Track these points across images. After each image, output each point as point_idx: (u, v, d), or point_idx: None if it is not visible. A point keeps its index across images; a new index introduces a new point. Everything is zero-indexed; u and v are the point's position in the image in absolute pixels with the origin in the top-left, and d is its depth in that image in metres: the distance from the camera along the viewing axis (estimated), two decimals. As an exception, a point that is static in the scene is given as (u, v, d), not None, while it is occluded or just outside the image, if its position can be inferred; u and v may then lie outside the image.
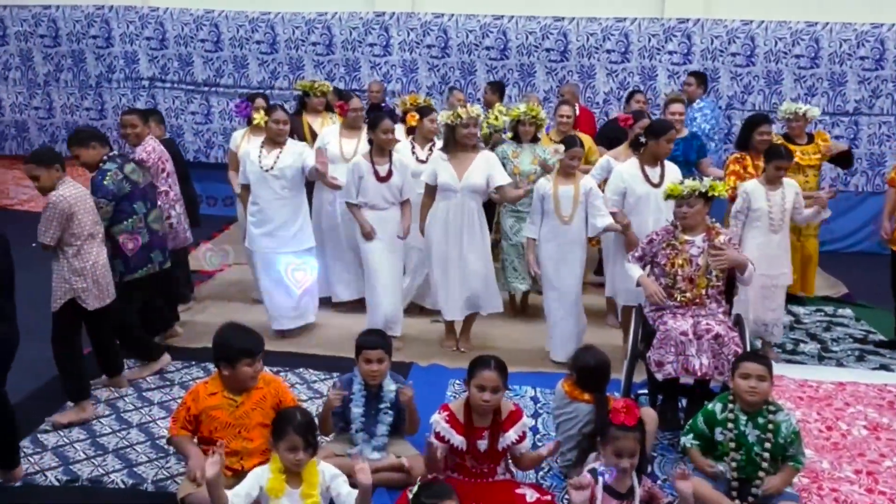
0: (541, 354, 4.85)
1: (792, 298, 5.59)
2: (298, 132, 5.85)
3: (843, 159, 5.80)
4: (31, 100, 8.58)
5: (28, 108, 8.61)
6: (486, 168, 4.62)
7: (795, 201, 4.64)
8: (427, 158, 5.15)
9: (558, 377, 4.38)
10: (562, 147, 4.56)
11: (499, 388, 3.04)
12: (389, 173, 4.72)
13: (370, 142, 4.76)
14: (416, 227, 4.85)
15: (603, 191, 4.70)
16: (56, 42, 8.35)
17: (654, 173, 4.58)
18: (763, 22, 7.39)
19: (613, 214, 4.52)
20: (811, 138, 5.60)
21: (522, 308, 5.63)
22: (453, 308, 4.79)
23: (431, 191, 4.70)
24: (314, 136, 5.76)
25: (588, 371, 3.32)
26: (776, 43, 7.40)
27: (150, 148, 4.91)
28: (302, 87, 6.12)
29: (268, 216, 4.85)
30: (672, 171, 4.58)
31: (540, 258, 4.67)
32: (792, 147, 5.24)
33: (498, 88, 7.06)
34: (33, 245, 3.79)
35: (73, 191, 3.78)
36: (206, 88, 8.24)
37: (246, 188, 4.94)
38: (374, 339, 3.44)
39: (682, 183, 3.91)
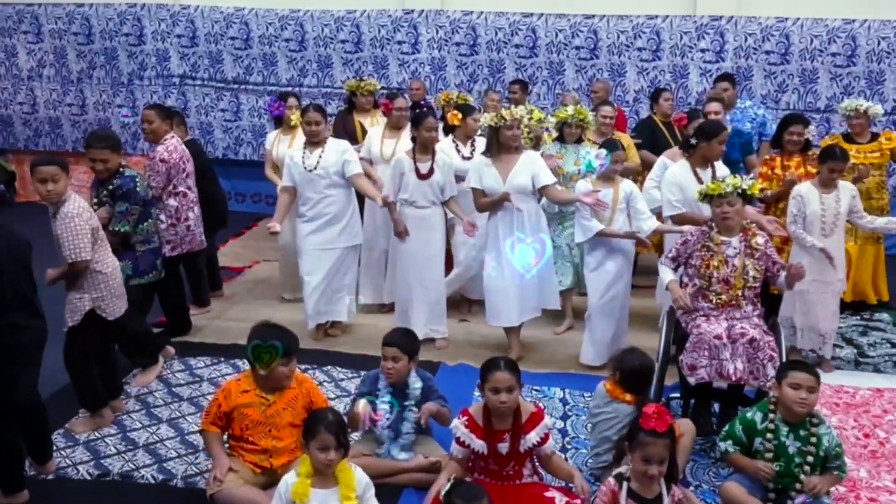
0: (572, 356, 4.79)
1: (859, 306, 5.51)
2: (350, 131, 5.86)
3: None
4: (65, 97, 8.70)
5: (62, 104, 8.73)
6: (530, 168, 4.53)
7: (852, 205, 4.50)
8: (471, 154, 5.12)
9: (589, 379, 4.40)
10: (603, 151, 4.49)
11: (513, 387, 3.00)
12: (431, 171, 4.70)
13: (413, 139, 4.75)
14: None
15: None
16: (89, 40, 8.46)
17: (705, 175, 4.51)
18: (798, 19, 7.23)
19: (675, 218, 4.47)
20: (874, 137, 5.44)
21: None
22: (507, 314, 4.68)
23: (480, 194, 4.60)
24: (365, 134, 5.78)
25: (632, 372, 3.27)
26: (811, 40, 7.24)
27: (172, 147, 4.87)
28: (349, 86, 6.14)
29: (316, 214, 4.85)
30: (722, 171, 4.50)
31: (585, 264, 4.67)
32: (849, 146, 5.11)
33: (524, 87, 7.03)
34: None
35: (83, 203, 3.56)
36: (236, 86, 8.28)
37: (287, 190, 4.92)
38: (392, 337, 3.42)
39: (722, 180, 3.82)
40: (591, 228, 4.46)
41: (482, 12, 7.71)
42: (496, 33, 7.70)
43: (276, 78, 8.16)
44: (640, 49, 7.51)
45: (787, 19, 7.25)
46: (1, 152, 8.98)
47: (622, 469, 2.79)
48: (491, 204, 4.55)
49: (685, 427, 3.19)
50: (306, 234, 4.89)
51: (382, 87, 7.16)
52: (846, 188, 4.53)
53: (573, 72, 7.66)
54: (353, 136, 5.77)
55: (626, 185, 4.52)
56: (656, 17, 7.44)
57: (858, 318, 5.56)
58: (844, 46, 7.19)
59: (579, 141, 5.22)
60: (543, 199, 4.84)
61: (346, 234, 4.92)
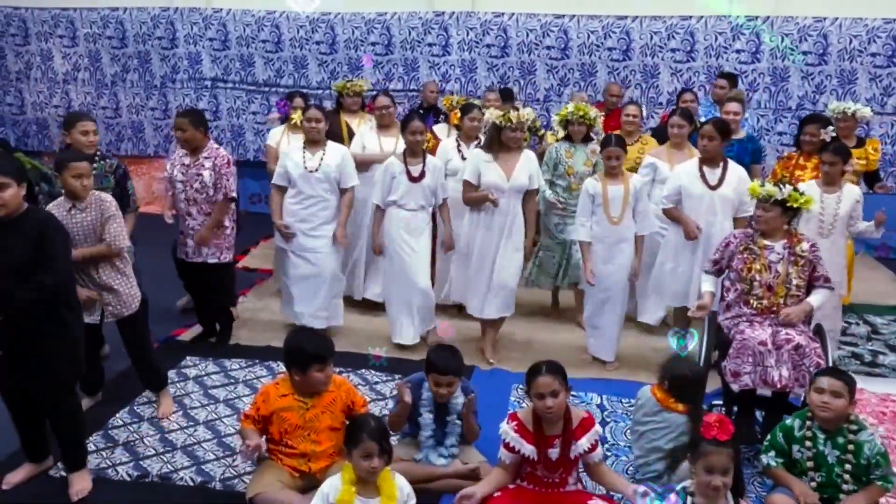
0: (584, 359, 4.79)
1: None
2: (336, 132, 5.84)
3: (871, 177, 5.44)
4: (99, 99, 8.81)
5: (96, 107, 8.83)
6: (528, 167, 4.62)
7: (853, 209, 4.44)
8: None
9: (627, 384, 4.35)
10: (597, 147, 4.52)
11: (558, 391, 2.94)
12: (422, 174, 4.72)
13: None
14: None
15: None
16: (123, 43, 8.56)
17: (712, 175, 4.48)
18: (837, 19, 7.10)
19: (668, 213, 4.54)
20: (862, 142, 5.33)
21: (555, 304, 5.63)
22: (484, 306, 4.73)
23: (473, 188, 4.63)
24: (351, 135, 5.73)
25: (683, 380, 3.20)
26: (850, 40, 7.10)
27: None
28: (337, 87, 6.11)
29: (308, 216, 4.82)
30: (735, 174, 4.44)
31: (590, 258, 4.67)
32: None
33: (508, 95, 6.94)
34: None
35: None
36: (267, 88, 8.32)
37: (279, 189, 4.84)
38: (447, 364, 3.28)
39: (762, 185, 3.77)
40: (580, 235, 4.55)
41: (513, 14, 7.66)
42: (527, 35, 7.65)
43: (306, 80, 8.18)
44: (673, 50, 7.42)
45: (825, 19, 7.12)
46: (37, 154, 9.10)
47: (686, 483, 2.72)
48: (478, 200, 4.61)
49: None
50: (294, 235, 4.85)
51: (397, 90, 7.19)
52: (851, 192, 4.46)
53: (605, 73, 7.59)
54: (338, 136, 5.76)
55: (636, 181, 4.54)
56: (690, 17, 7.35)
57: (902, 324, 5.44)
58: (884, 46, 7.05)
59: (587, 140, 5.18)
60: (549, 192, 5.02)
61: (334, 238, 4.87)
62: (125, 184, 4.22)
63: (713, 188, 4.42)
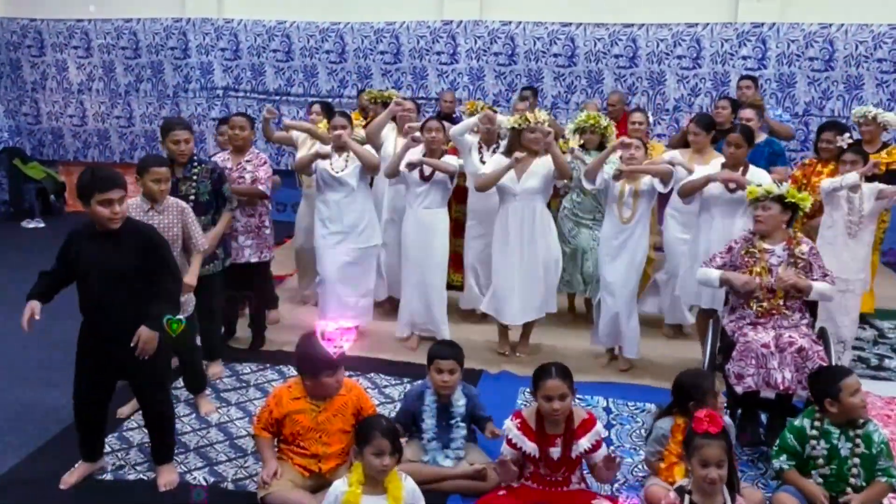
0: (611, 363, 4.82)
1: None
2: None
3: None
4: (113, 109, 8.96)
5: (110, 117, 8.99)
6: (545, 172, 4.64)
7: (877, 205, 4.55)
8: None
9: (633, 388, 4.40)
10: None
11: (566, 394, 3.01)
12: (433, 173, 4.83)
13: None
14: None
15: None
16: (136, 54, 8.71)
17: None
18: (843, 25, 7.15)
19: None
20: (886, 146, 5.35)
21: (571, 309, 5.70)
22: (511, 312, 4.78)
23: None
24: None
25: (675, 386, 3.26)
26: (857, 47, 7.14)
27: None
28: (371, 95, 6.27)
29: (337, 217, 4.92)
30: (757, 179, 4.47)
31: (599, 255, 4.76)
32: None
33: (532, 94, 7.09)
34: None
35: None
36: (277, 97, 8.45)
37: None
38: (447, 350, 3.45)
39: (758, 185, 3.83)
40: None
41: (521, 22, 7.76)
42: (535, 43, 7.74)
43: (316, 89, 8.30)
44: (679, 57, 7.48)
45: (830, 25, 7.17)
46: (51, 163, 9.26)
47: (683, 482, 2.77)
48: (491, 180, 4.68)
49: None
50: (324, 235, 4.97)
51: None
52: (871, 189, 4.53)
53: (612, 81, 7.65)
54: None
55: (644, 179, 4.58)
56: (696, 24, 7.41)
57: (908, 328, 5.45)
58: (891, 52, 7.09)
59: (601, 147, 5.24)
60: (567, 198, 5.11)
61: (364, 236, 4.98)
62: (220, 187, 4.36)
63: (731, 191, 4.46)
